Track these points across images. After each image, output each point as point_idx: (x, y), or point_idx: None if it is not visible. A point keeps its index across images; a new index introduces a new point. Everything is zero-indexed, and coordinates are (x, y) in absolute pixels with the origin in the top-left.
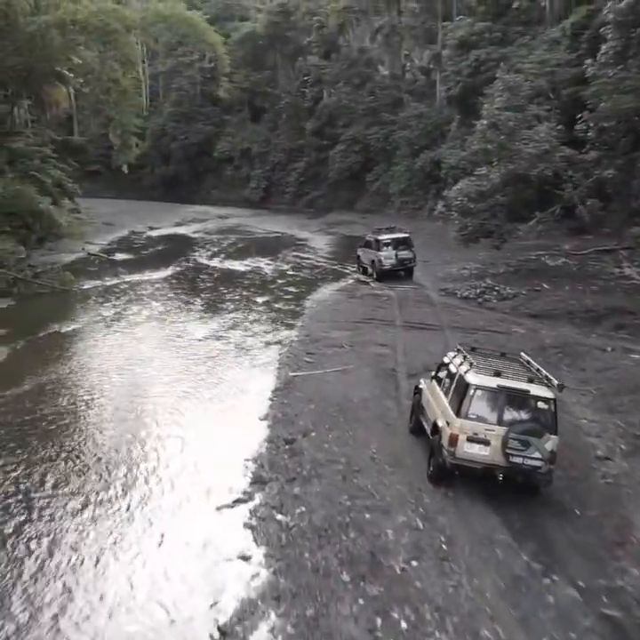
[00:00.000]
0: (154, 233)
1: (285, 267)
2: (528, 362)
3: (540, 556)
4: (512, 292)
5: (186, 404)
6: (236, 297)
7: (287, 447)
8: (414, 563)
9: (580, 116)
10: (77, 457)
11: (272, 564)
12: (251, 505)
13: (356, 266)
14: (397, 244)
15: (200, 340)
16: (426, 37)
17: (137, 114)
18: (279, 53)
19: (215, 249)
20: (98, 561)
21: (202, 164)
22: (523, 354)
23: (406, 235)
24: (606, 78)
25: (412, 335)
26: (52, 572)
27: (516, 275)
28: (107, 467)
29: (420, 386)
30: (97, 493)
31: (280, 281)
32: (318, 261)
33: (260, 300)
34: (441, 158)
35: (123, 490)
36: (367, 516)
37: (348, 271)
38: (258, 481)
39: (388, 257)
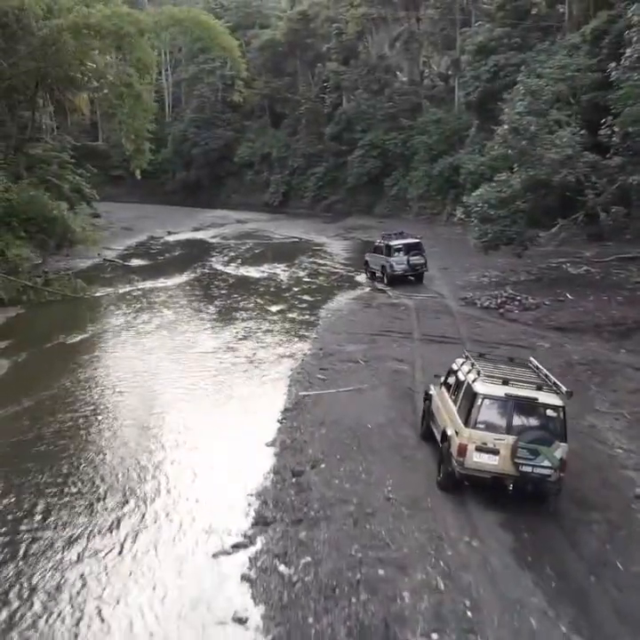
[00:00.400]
0: (172, 238)
1: (301, 273)
2: (537, 367)
3: (581, 626)
4: (534, 303)
5: (191, 425)
6: (250, 305)
7: (294, 480)
8: (435, 636)
9: (603, 120)
10: (72, 484)
11: (271, 630)
12: (251, 551)
13: (364, 271)
14: (409, 249)
15: (210, 352)
16: (444, 44)
17: (151, 119)
18: (299, 60)
19: (231, 254)
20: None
21: (222, 169)
22: (532, 359)
23: (418, 240)
24: (632, 82)
25: (431, 350)
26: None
27: (537, 283)
28: (101, 497)
29: (430, 392)
30: (86, 528)
31: (295, 289)
32: (335, 268)
33: (274, 308)
34: (459, 163)
35: (113, 527)
36: (381, 571)
37: (364, 279)
38: (261, 521)
39: (399, 262)
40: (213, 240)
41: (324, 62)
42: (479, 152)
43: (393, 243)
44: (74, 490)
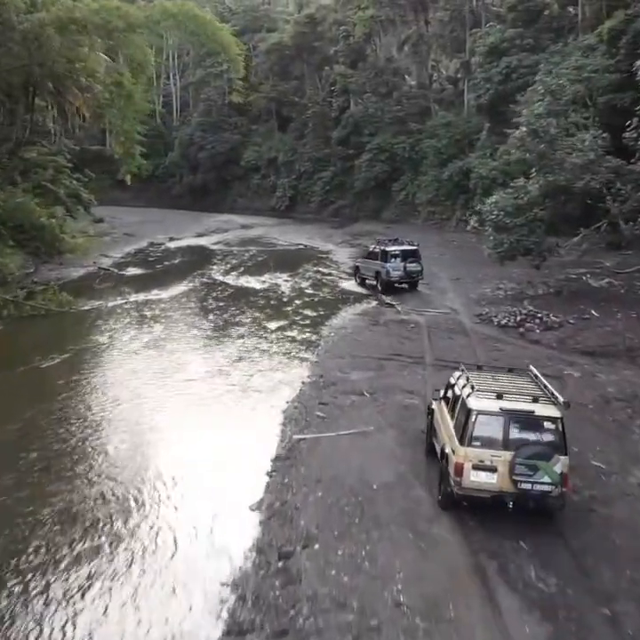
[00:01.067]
0: (173, 244)
1: (304, 284)
2: (536, 376)
3: None
4: (557, 321)
5: (167, 478)
6: (247, 320)
7: (280, 565)
8: None
9: (628, 123)
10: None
11: None
12: None
13: (354, 277)
14: (406, 256)
15: (199, 378)
16: (453, 46)
17: (141, 120)
18: (306, 63)
19: (233, 262)
20: None
21: (229, 172)
22: (532, 367)
23: (415, 247)
24: None
25: (445, 378)
26: None
27: (557, 298)
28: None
29: (432, 406)
30: None
31: (297, 302)
32: (340, 277)
33: (272, 325)
34: (470, 168)
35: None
36: None
37: (370, 291)
38: (234, 630)
39: (395, 268)
40: (215, 247)
41: (332, 65)
42: (490, 156)
43: (390, 248)
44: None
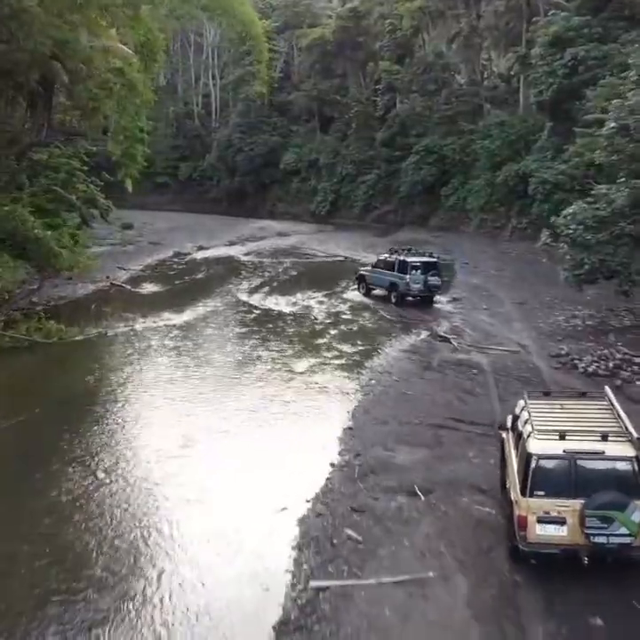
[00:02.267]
0: (200, 254)
1: (342, 307)
2: (611, 403)
3: None
4: None
5: None
6: (268, 358)
7: None
8: None
9: None
10: None
11: None
12: None
13: (356, 286)
14: (427, 268)
15: (188, 452)
16: (508, 40)
17: (145, 114)
18: (349, 60)
19: (262, 278)
20: None
21: (267, 176)
22: (607, 388)
23: (435, 259)
24: None
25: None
26: None
27: None
28: None
29: (504, 436)
30: None
31: (332, 331)
32: (383, 299)
33: (299, 365)
34: (527, 171)
35: None
36: None
37: (420, 315)
38: None
39: (416, 281)
40: (246, 258)
41: (376, 61)
42: (552, 158)
43: (411, 259)
44: None
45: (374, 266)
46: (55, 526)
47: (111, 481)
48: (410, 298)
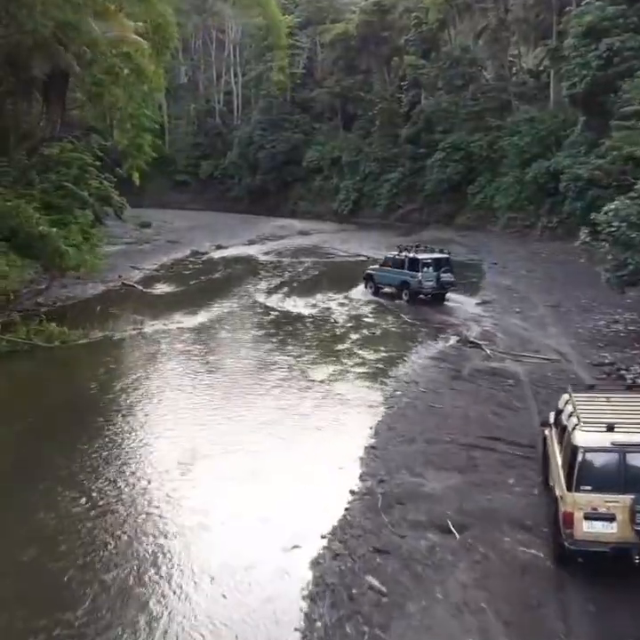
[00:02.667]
0: (218, 254)
1: (364, 309)
2: None
3: None
4: None
5: None
6: (285, 364)
7: None
8: None
9: None
10: None
11: None
12: None
13: (364, 286)
14: (439, 265)
15: (193, 469)
16: (537, 33)
17: (155, 101)
18: (373, 55)
19: (281, 278)
20: None
21: (289, 174)
22: None
23: (447, 255)
24: None
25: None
26: None
27: None
28: None
29: (546, 432)
30: None
31: (353, 336)
32: (407, 301)
33: (316, 373)
34: (557, 168)
35: None
36: None
37: (448, 318)
38: None
39: (428, 278)
40: (265, 258)
41: (401, 57)
42: (585, 153)
43: (422, 256)
44: None
45: (382, 264)
46: (38, 559)
47: (105, 503)
48: (422, 296)
